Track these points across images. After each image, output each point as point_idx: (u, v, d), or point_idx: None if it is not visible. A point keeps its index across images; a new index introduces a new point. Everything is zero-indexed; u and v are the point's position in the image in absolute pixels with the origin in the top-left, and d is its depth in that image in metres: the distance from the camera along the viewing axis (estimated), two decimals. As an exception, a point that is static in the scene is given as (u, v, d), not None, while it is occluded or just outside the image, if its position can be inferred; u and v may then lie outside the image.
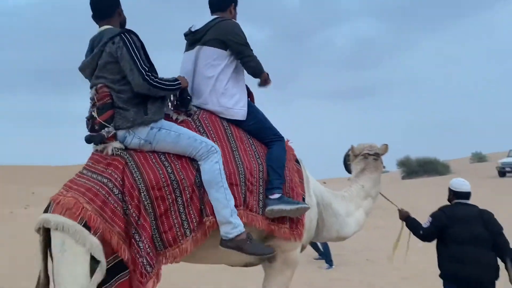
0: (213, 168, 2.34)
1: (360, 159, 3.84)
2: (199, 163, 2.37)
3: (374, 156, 3.79)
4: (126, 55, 2.24)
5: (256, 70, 2.85)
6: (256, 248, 2.47)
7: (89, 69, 2.37)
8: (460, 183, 3.59)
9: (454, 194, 3.58)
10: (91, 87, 2.36)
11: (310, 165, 3.26)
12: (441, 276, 3.49)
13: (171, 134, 2.36)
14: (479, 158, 44.60)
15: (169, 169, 2.30)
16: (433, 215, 3.55)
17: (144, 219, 2.13)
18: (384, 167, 3.99)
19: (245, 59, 2.78)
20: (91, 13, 2.46)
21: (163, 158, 2.34)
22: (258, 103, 3.05)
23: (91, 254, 2.02)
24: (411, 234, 3.69)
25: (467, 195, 3.54)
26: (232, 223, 2.34)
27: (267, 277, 2.86)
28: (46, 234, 2.15)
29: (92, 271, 2.03)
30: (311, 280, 6.49)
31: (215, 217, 2.34)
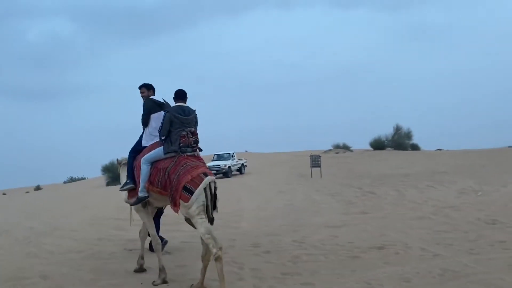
0: None
1: (123, 166, 6.46)
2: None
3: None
4: (197, 121, 5.40)
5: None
6: None
7: (191, 122, 5.28)
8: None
9: None
10: (188, 127, 5.18)
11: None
12: None
13: None
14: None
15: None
16: None
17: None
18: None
19: None
20: (173, 96, 5.39)
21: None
22: None
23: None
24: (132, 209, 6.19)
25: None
26: None
27: None
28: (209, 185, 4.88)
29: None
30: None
31: None
